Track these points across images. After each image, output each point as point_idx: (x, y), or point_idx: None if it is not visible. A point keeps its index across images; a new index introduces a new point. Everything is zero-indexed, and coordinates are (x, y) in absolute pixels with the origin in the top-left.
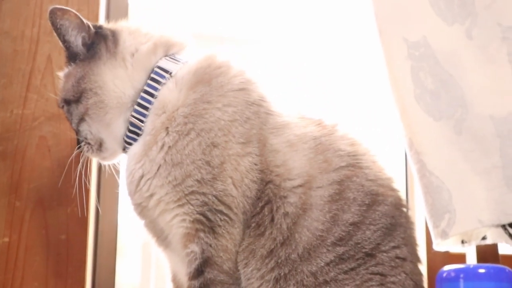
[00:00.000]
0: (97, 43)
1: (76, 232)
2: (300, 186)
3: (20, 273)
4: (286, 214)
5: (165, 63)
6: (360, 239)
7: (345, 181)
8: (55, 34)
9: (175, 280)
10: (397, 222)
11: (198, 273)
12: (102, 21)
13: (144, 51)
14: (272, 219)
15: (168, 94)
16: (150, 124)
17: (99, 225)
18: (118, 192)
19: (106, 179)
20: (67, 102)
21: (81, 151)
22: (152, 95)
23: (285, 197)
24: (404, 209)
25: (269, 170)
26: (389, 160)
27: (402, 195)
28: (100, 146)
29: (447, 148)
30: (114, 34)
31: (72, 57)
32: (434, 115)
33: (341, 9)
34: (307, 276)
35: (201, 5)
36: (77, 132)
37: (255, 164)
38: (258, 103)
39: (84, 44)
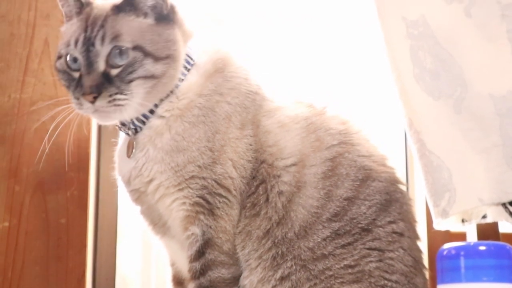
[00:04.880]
0: (173, 19)
1: (76, 216)
2: (293, 165)
3: (20, 257)
4: (280, 193)
5: (190, 51)
6: (356, 214)
7: (337, 158)
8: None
9: (174, 265)
10: (392, 198)
11: (199, 254)
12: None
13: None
14: (267, 199)
15: (190, 80)
16: (167, 106)
17: (99, 209)
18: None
19: (106, 162)
20: (144, 51)
21: (94, 98)
22: (181, 80)
23: (278, 176)
24: (400, 185)
25: (263, 150)
26: (388, 140)
27: (398, 172)
28: (124, 107)
29: (446, 127)
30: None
31: (158, 15)
32: (433, 94)
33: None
34: (304, 251)
35: None
36: (120, 83)
37: (250, 145)
38: (256, 91)
39: (166, 12)
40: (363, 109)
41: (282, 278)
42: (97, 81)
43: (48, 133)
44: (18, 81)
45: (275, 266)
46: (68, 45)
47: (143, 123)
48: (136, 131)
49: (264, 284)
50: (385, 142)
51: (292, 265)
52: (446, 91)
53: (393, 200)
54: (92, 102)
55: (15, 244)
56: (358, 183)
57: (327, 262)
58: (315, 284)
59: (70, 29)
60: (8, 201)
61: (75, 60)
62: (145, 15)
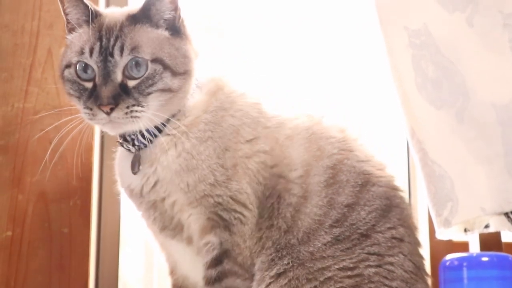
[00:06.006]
0: (184, 33)
1: (78, 225)
2: (301, 176)
3: (23, 267)
4: (289, 204)
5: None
6: (355, 220)
7: (337, 165)
8: (63, 26)
9: (173, 272)
10: (392, 203)
11: (216, 262)
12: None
13: None
14: (278, 210)
15: (195, 99)
16: (174, 124)
17: (101, 218)
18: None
19: (109, 171)
20: (164, 64)
21: (111, 109)
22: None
23: (290, 189)
24: (399, 192)
25: (279, 164)
26: (391, 149)
27: (400, 181)
28: (140, 119)
29: (449, 137)
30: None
31: (172, 28)
32: (435, 103)
33: (341, 7)
34: (303, 254)
35: None
36: (138, 94)
37: (265, 160)
38: (259, 101)
39: (178, 25)
40: (365, 118)
41: (278, 275)
42: (114, 92)
43: (52, 144)
44: (22, 91)
45: (272, 265)
46: (81, 53)
47: (149, 140)
48: (139, 148)
49: (260, 284)
50: (387, 151)
51: (289, 263)
52: (448, 100)
53: (393, 206)
54: (108, 113)
55: (18, 253)
56: (358, 188)
57: (325, 261)
58: (315, 286)
59: (79, 38)
60: (11, 210)
61: (85, 69)
62: (160, 27)
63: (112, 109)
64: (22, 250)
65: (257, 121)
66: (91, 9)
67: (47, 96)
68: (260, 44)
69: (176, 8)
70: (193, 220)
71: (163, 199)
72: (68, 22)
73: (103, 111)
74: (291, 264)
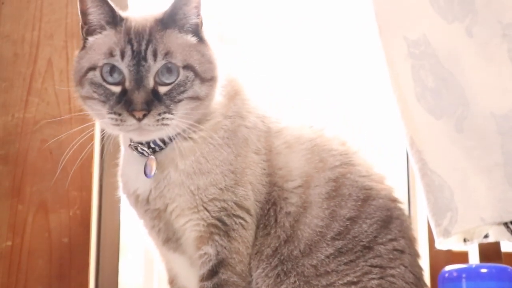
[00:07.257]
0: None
1: (78, 235)
2: (299, 186)
3: (23, 277)
4: (288, 214)
5: None
6: (357, 233)
7: (340, 178)
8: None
9: (172, 283)
10: (392, 215)
11: (212, 274)
12: None
13: None
14: (276, 220)
15: (215, 101)
16: (195, 127)
17: (101, 228)
18: (120, 195)
19: (108, 181)
20: (195, 71)
21: (143, 116)
22: None
23: (287, 198)
24: (399, 203)
25: (274, 173)
26: (390, 159)
27: (400, 191)
28: (169, 126)
29: (448, 147)
30: None
31: (195, 32)
32: (435, 113)
33: (342, 8)
34: (307, 268)
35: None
36: (169, 101)
37: (264, 169)
38: (264, 114)
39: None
40: (364, 128)
41: None
42: (147, 98)
43: (61, 161)
44: (22, 101)
45: (278, 283)
46: (110, 56)
47: (164, 143)
48: (154, 151)
49: None
50: (386, 161)
51: (295, 281)
52: (448, 110)
53: (393, 217)
54: (140, 119)
55: (18, 263)
56: (360, 203)
57: (330, 277)
58: None
59: (105, 40)
60: (11, 220)
61: (111, 72)
62: (188, 33)
63: (144, 116)
64: (22, 260)
65: (261, 133)
66: (117, 11)
67: (47, 106)
68: (260, 45)
69: (199, 14)
70: (190, 227)
71: (167, 206)
72: (86, 23)
73: (134, 117)
74: (297, 283)
